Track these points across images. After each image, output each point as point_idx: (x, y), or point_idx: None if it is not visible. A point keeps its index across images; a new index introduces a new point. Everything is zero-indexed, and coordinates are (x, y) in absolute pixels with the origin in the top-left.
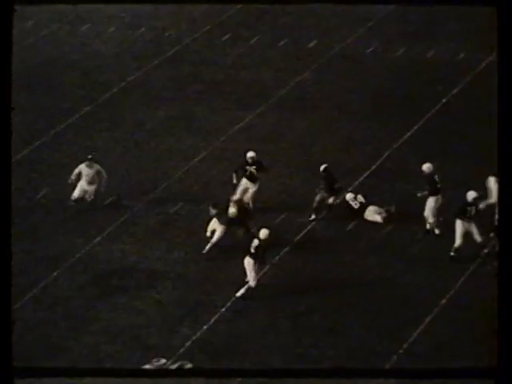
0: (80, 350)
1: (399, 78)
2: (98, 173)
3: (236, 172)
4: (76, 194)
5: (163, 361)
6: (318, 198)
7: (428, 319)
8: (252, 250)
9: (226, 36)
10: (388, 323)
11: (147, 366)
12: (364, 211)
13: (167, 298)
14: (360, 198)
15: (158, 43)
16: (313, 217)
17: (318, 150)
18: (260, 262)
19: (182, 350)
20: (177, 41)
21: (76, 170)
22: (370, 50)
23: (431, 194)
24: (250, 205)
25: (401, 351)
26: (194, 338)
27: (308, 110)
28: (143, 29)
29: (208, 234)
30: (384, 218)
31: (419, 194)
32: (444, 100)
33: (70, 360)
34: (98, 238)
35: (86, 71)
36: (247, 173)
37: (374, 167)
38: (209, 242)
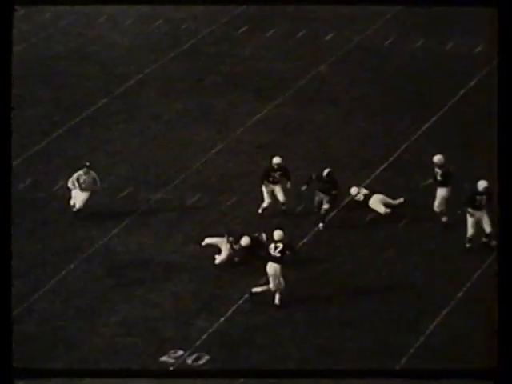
0: (96, 342)
1: (417, 70)
2: (93, 180)
3: (263, 182)
4: (73, 202)
5: (180, 353)
6: (317, 199)
7: (444, 312)
8: (277, 254)
9: (243, 28)
10: (404, 316)
11: (164, 358)
12: (369, 200)
13: (183, 290)
14: (363, 190)
15: (174, 35)
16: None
17: (334, 142)
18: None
19: (198, 342)
20: (194, 33)
21: (74, 177)
22: (388, 42)
23: (441, 186)
24: (264, 238)
25: (418, 343)
26: (210, 330)
27: (325, 103)
28: (160, 21)
29: (204, 243)
30: (386, 212)
31: (426, 183)
32: (462, 92)
33: (86, 352)
34: (115, 230)
35: (103, 63)
36: (270, 179)
37: (391, 159)
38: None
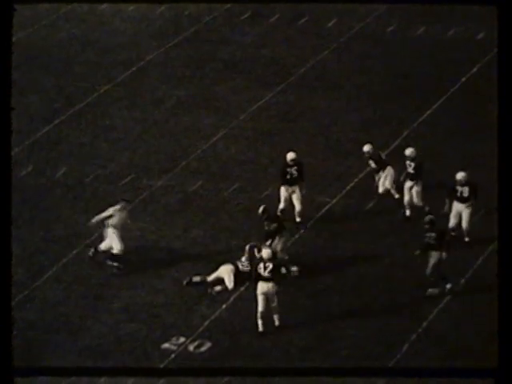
0: (99, 329)
1: (419, 57)
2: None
3: (283, 184)
4: (104, 246)
5: (182, 339)
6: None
7: (445, 303)
8: (267, 275)
9: (246, 14)
10: (407, 303)
11: (166, 345)
12: (385, 168)
13: (186, 276)
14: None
15: (177, 22)
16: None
17: (337, 128)
18: (277, 283)
19: (201, 329)
20: (196, 19)
21: (107, 213)
22: (390, 29)
23: (413, 179)
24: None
25: (420, 330)
26: (212, 316)
27: (328, 89)
28: (162, 7)
29: (210, 278)
30: (381, 194)
31: (402, 178)
32: (464, 79)
33: (89, 339)
34: None
35: (105, 50)
36: (287, 176)
37: (392, 146)
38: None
